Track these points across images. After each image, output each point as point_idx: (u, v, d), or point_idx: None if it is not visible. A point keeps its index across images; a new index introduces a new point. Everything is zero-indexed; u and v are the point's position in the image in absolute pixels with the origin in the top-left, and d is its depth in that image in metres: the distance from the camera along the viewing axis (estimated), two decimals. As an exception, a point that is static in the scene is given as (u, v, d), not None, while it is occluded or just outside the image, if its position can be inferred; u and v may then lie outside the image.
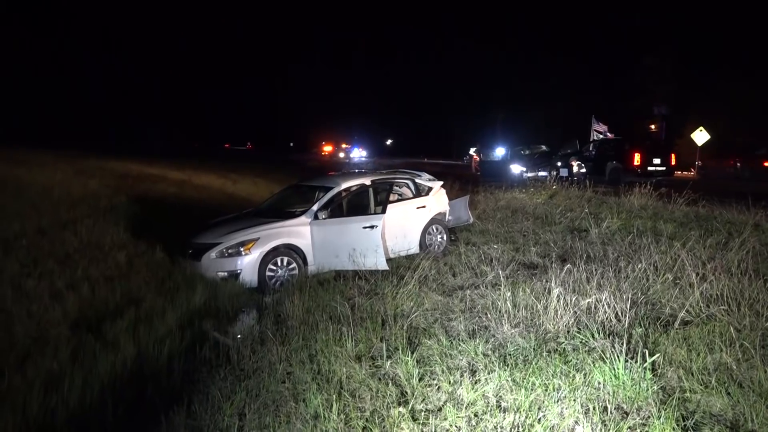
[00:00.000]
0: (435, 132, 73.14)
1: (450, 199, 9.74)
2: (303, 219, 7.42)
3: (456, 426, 3.32)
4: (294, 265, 7.18)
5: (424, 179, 9.31)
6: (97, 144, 35.96)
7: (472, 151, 39.32)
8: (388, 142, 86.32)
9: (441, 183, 9.45)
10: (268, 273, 7.01)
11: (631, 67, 38.15)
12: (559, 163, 24.10)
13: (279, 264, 7.11)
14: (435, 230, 8.88)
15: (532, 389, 3.66)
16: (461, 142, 57.78)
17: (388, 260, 7.53)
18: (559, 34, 61.17)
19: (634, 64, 37.73)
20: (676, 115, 35.13)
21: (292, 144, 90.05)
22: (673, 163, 21.00)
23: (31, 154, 20.00)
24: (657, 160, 20.50)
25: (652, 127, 36.27)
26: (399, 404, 3.61)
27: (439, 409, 3.55)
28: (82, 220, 9.25)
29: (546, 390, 3.67)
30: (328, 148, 74.39)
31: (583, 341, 4.38)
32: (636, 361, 3.81)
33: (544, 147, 28.10)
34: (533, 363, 4.05)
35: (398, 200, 8.80)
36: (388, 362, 4.22)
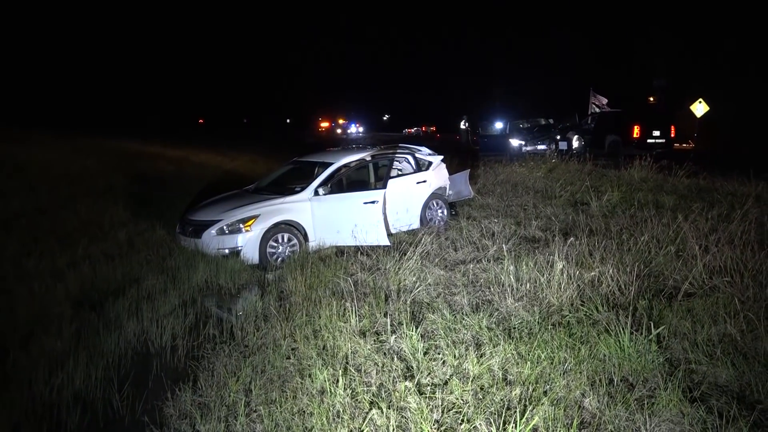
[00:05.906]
0: (432, 107, 72.77)
1: (450, 173, 9.67)
2: (303, 195, 7.37)
3: (463, 399, 3.32)
4: (295, 241, 7.16)
5: (424, 154, 9.24)
6: (79, 123, 35.56)
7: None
8: (385, 117, 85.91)
9: (441, 157, 9.37)
10: (269, 249, 6.99)
11: (630, 39, 37.81)
12: (558, 137, 23.96)
13: (280, 240, 7.08)
14: (436, 205, 8.84)
15: (537, 362, 3.67)
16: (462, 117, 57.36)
17: (389, 235, 7.50)
18: (558, 5, 60.45)
19: (634, 35, 37.38)
20: (675, 87, 34.82)
21: (288, 120, 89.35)
22: (672, 135, 20.87)
23: (26, 132, 19.82)
24: (656, 133, 20.40)
25: (651, 99, 36.01)
26: (405, 378, 3.61)
27: (445, 383, 3.55)
28: (81, 198, 9.23)
29: (552, 363, 3.68)
30: (324, 124, 74.01)
31: (588, 314, 4.39)
32: (641, 334, 3.82)
33: (543, 120, 27.91)
34: (538, 336, 4.05)
35: (398, 175, 8.73)
36: (393, 337, 4.22)
